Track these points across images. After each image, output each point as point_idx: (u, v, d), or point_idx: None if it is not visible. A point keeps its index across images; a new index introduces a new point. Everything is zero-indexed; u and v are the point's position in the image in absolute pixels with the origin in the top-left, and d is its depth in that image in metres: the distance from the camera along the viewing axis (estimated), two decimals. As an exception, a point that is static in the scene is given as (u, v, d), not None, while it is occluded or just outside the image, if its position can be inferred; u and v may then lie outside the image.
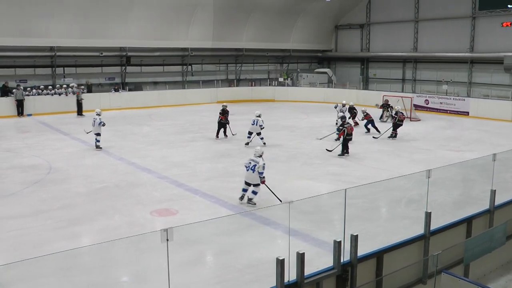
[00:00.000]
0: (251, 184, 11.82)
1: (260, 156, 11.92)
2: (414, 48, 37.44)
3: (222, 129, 20.63)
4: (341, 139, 17.60)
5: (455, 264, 9.46)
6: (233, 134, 20.76)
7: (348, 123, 18.07)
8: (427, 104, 30.68)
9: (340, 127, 18.00)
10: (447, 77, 35.07)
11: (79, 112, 28.14)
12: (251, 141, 18.97)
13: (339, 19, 42.49)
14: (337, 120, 20.97)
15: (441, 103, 30.25)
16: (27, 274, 7.12)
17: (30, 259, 6.92)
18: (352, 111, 24.13)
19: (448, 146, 19.57)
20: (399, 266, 8.65)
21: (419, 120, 26.69)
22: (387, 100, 26.44)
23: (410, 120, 26.37)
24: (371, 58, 41.10)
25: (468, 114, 28.61)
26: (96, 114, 18.31)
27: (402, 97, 28.19)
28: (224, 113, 20.54)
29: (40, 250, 8.81)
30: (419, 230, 9.24)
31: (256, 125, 18.83)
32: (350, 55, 42.31)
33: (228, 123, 20.68)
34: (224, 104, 21.21)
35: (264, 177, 11.74)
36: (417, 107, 29.19)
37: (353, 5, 40.94)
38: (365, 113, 22.35)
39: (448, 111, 29.53)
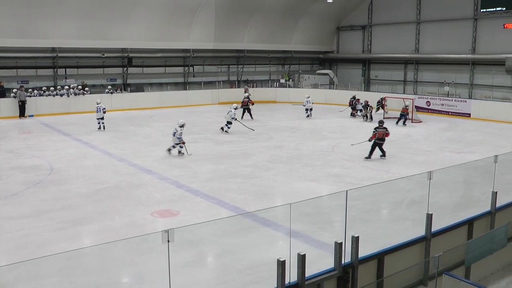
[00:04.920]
0: (174, 144, 17.35)
1: (182, 126, 17.19)
2: (415, 50, 37.43)
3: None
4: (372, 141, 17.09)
5: (456, 266, 9.44)
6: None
7: (382, 127, 17.11)
8: (428, 105, 30.67)
9: (374, 130, 17.22)
10: (448, 79, 35.09)
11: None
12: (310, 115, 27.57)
13: (340, 21, 42.51)
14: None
15: (442, 104, 30.19)
16: (29, 275, 7.13)
17: (32, 259, 6.94)
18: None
19: (450, 148, 19.56)
20: (400, 268, 8.63)
21: (420, 122, 26.66)
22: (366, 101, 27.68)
23: (412, 122, 26.38)
24: (373, 60, 41.13)
25: (469, 116, 28.59)
26: (97, 104, 22.56)
27: (403, 98, 28.20)
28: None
29: (42, 251, 8.84)
30: (420, 232, 9.22)
31: (310, 103, 27.37)
32: (351, 56, 42.34)
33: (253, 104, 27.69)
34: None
35: (181, 139, 17.21)
36: (418, 108, 29.15)
37: (354, 7, 40.96)
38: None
39: (450, 113, 29.51)
